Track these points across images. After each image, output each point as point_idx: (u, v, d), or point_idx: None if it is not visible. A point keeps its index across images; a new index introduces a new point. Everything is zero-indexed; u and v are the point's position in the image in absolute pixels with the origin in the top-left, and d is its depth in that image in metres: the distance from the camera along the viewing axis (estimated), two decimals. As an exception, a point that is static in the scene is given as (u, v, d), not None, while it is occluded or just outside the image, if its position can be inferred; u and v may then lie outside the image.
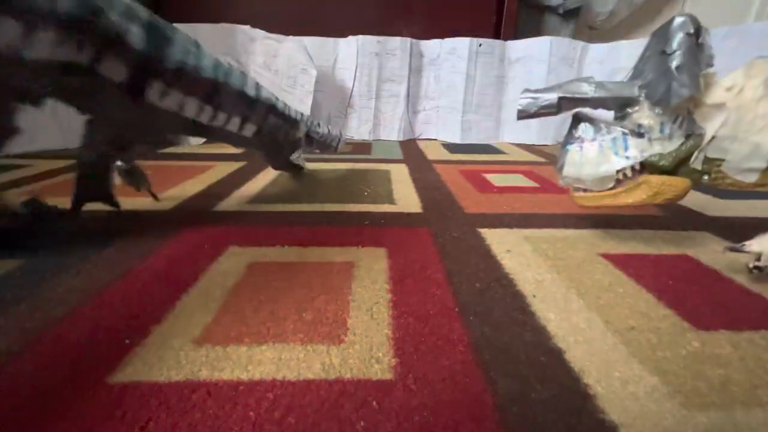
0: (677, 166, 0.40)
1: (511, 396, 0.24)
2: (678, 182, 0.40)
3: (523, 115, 0.42)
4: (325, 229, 0.51)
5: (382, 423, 0.22)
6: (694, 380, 0.26)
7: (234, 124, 0.49)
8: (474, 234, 0.50)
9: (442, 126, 1.35)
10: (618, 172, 0.40)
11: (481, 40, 1.25)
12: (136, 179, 0.58)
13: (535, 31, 1.60)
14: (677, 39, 0.37)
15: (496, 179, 0.79)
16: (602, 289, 0.37)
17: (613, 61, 1.20)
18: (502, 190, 0.71)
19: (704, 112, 0.39)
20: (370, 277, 0.39)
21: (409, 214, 0.57)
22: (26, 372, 0.25)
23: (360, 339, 0.29)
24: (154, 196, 0.59)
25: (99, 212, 0.56)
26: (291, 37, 1.23)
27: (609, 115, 0.44)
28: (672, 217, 0.58)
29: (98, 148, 0.47)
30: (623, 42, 1.22)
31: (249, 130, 0.52)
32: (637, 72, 0.42)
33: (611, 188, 0.41)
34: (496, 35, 1.49)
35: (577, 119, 0.42)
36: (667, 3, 1.72)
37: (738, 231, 0.52)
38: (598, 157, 0.40)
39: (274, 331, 0.30)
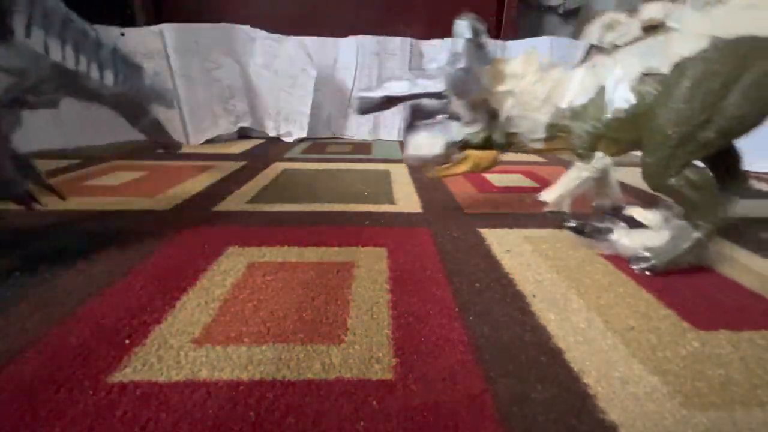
0: (485, 142, 0.50)
1: (511, 396, 0.24)
2: (488, 155, 0.51)
3: (359, 113, 0.51)
4: (325, 229, 0.51)
5: (382, 423, 0.22)
6: (694, 380, 0.26)
7: (94, 71, 0.49)
8: (474, 234, 0.50)
9: (442, 126, 1.35)
10: (447, 150, 0.50)
11: (481, 40, 1.25)
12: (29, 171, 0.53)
13: (535, 31, 1.61)
14: (460, 44, 0.44)
15: (496, 179, 0.79)
16: (602, 289, 0.37)
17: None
18: (502, 190, 0.71)
19: (498, 98, 0.48)
20: (370, 277, 0.39)
21: (409, 214, 0.57)
22: (26, 372, 0.25)
23: (360, 339, 0.29)
24: (56, 193, 0.55)
25: (99, 212, 0.56)
26: (291, 37, 1.23)
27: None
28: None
29: None
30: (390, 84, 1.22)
31: (109, 77, 0.52)
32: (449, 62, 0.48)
33: (446, 163, 0.52)
34: (497, 35, 1.49)
35: (414, 110, 0.51)
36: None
37: (738, 231, 0.52)
38: (430, 139, 0.50)
39: (274, 331, 0.30)
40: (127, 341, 0.29)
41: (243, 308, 0.33)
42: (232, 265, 0.40)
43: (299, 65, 1.21)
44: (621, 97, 0.40)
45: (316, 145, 1.19)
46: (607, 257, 0.44)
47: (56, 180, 0.72)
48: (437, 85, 0.47)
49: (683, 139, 0.36)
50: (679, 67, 0.36)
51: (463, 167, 0.51)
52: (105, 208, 0.57)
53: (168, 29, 1.10)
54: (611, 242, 0.43)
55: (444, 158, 0.51)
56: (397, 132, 1.34)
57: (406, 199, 0.65)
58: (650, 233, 0.41)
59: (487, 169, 0.52)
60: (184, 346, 0.28)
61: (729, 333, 0.31)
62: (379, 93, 0.48)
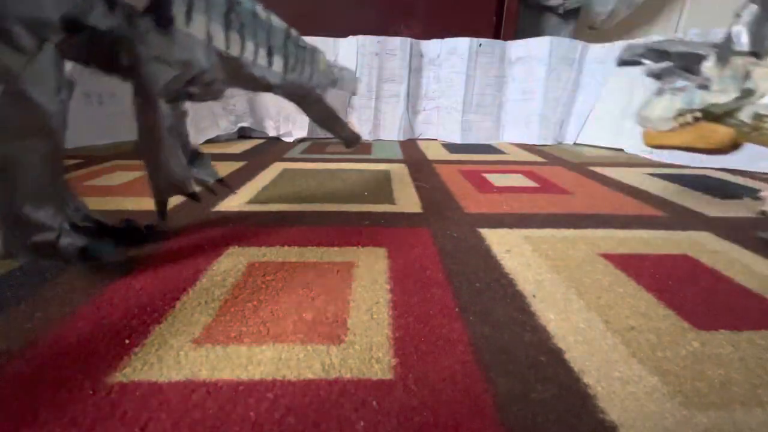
0: (726, 115, 0.46)
1: (511, 396, 0.24)
2: (722, 130, 0.46)
3: (620, 62, 0.52)
4: (325, 229, 0.51)
5: (382, 423, 0.22)
6: (694, 380, 0.26)
7: (263, 58, 0.46)
8: (474, 234, 0.50)
9: (442, 126, 1.35)
10: (681, 115, 0.47)
11: (481, 40, 1.25)
12: (204, 167, 0.52)
13: (535, 31, 1.61)
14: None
15: (496, 179, 0.79)
16: (602, 289, 0.37)
17: (614, 61, 1.20)
18: (502, 190, 0.71)
19: (763, 73, 0.43)
20: (370, 277, 0.39)
21: (409, 214, 0.57)
22: (26, 372, 0.25)
23: (360, 339, 0.29)
24: (227, 185, 0.55)
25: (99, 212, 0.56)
26: (291, 37, 1.23)
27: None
28: (672, 217, 0.58)
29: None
30: (623, 42, 1.22)
31: (279, 63, 0.48)
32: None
33: (671, 129, 0.49)
34: (496, 35, 1.49)
35: (658, 72, 0.50)
36: (666, 3, 1.72)
37: (738, 231, 0.52)
38: (668, 102, 0.48)
39: (274, 331, 0.30)
40: (127, 341, 0.29)
41: (243, 308, 0.33)
42: (232, 265, 0.40)
43: (299, 65, 1.20)
44: None
45: (316, 145, 1.19)
46: (608, 257, 0.44)
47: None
48: (703, 47, 0.45)
49: None
50: None
51: (685, 137, 0.48)
52: (105, 208, 0.57)
53: (168, 29, 1.10)
54: None
55: (670, 123, 0.49)
56: (397, 132, 1.34)
57: (406, 199, 0.65)
58: None
59: (716, 149, 0.48)
60: (184, 346, 0.28)
61: (729, 333, 0.31)
62: (642, 44, 0.48)
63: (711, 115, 0.46)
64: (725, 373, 0.27)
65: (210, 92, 0.44)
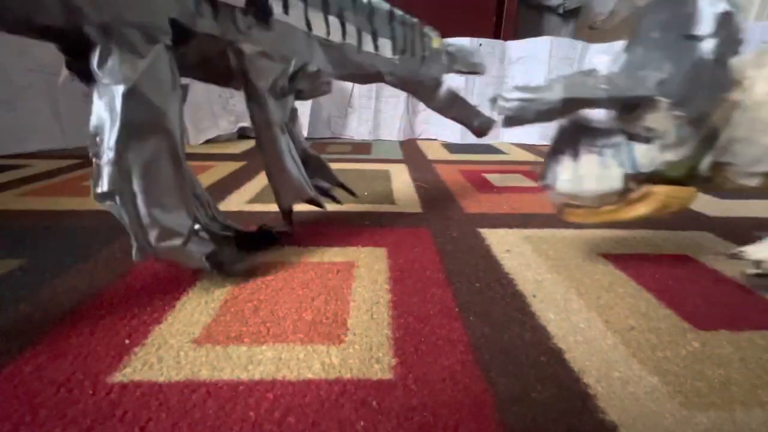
0: (689, 173, 0.34)
1: (511, 396, 0.24)
2: (685, 192, 0.34)
3: (514, 122, 0.34)
4: (325, 229, 0.51)
5: (382, 423, 0.22)
6: (694, 380, 0.26)
7: (368, 43, 0.42)
8: (474, 234, 0.50)
9: (442, 126, 1.35)
10: (626, 183, 0.34)
11: (481, 40, 1.25)
12: (322, 172, 0.48)
13: (535, 31, 1.61)
14: (711, 18, 0.29)
15: (496, 179, 0.79)
16: (602, 289, 0.37)
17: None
18: (502, 190, 0.71)
19: (725, 110, 0.32)
20: (370, 277, 0.39)
21: (409, 214, 0.57)
22: (26, 372, 0.25)
23: (360, 339, 0.29)
24: (348, 190, 0.51)
25: (100, 212, 0.56)
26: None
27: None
28: (672, 217, 0.58)
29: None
30: (623, 42, 1.22)
31: (386, 47, 0.43)
32: (636, 58, 0.34)
33: (612, 204, 0.35)
34: (496, 35, 1.49)
35: (573, 123, 0.36)
36: (667, 3, 1.71)
37: (738, 231, 0.52)
38: (599, 169, 0.34)
39: (274, 331, 0.30)
40: (127, 341, 0.29)
41: (243, 308, 0.33)
42: (232, 265, 0.40)
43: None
44: None
45: (316, 145, 1.19)
46: (608, 257, 0.44)
47: (56, 180, 0.72)
48: (645, 87, 0.32)
49: None
50: None
51: (641, 210, 0.35)
52: (105, 208, 0.57)
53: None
54: None
55: (615, 196, 0.35)
56: (397, 132, 1.34)
57: (406, 199, 0.65)
58: None
59: (676, 213, 0.36)
60: (184, 346, 0.28)
61: (729, 333, 0.31)
62: (557, 95, 0.33)
63: (661, 176, 0.34)
64: (725, 373, 0.27)
65: (317, 87, 0.42)
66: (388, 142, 1.30)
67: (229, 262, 0.38)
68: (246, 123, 1.24)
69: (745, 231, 0.52)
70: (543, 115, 0.34)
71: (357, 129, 1.35)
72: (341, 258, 0.42)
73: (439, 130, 1.36)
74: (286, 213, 0.46)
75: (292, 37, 0.38)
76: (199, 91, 1.16)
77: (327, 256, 0.43)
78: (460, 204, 0.62)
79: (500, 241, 0.48)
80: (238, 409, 0.23)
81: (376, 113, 1.33)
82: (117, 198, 0.31)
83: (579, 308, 0.34)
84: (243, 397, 0.24)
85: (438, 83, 0.52)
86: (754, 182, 0.34)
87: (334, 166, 0.89)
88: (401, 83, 0.49)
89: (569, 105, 0.33)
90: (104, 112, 0.29)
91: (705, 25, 0.29)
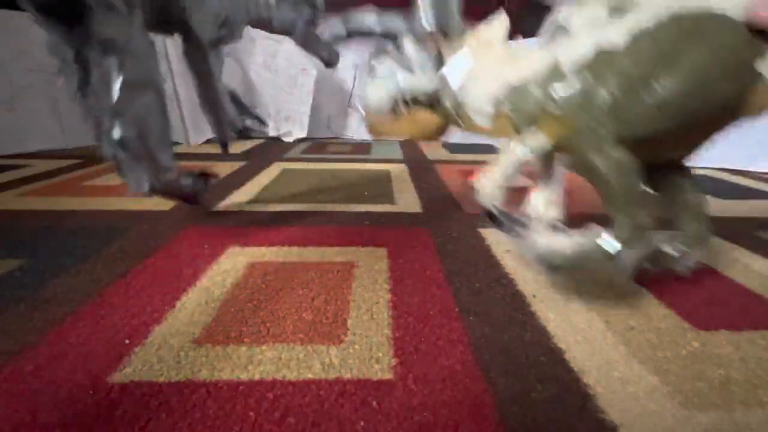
0: (434, 103, 0.44)
1: (511, 396, 0.24)
2: (429, 118, 0.44)
3: (329, 40, 0.51)
4: (325, 229, 0.51)
5: (382, 423, 0.22)
6: (694, 380, 0.26)
7: None
8: (474, 234, 0.50)
9: (442, 126, 1.35)
10: (391, 100, 0.45)
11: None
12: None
13: (535, 30, 1.60)
14: None
15: (496, 179, 0.79)
16: (602, 289, 0.37)
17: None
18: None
19: (455, 54, 0.42)
20: (370, 277, 0.39)
21: (409, 214, 0.57)
22: (26, 372, 0.25)
23: (360, 339, 0.29)
24: (261, 120, 0.65)
25: (100, 212, 0.56)
26: (291, 37, 1.23)
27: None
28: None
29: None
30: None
31: None
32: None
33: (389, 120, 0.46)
34: (496, 35, 1.49)
35: (376, 54, 0.47)
36: (667, 3, 1.71)
37: (738, 231, 0.52)
38: (379, 91, 0.45)
39: (274, 331, 0.30)
40: (127, 341, 0.29)
41: (243, 308, 0.33)
42: (232, 265, 0.40)
43: (299, 65, 1.21)
44: (572, 72, 0.34)
45: (316, 145, 1.19)
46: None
47: (56, 180, 0.72)
48: (399, 24, 0.44)
49: (616, 109, 0.31)
50: (634, 39, 0.31)
51: (405, 128, 0.46)
52: (105, 208, 0.57)
53: (168, 29, 1.10)
54: (525, 238, 0.37)
55: (385, 110, 0.46)
56: (397, 132, 1.34)
57: (406, 199, 0.65)
58: (568, 238, 0.35)
59: (430, 137, 0.47)
60: (184, 346, 0.28)
61: (729, 333, 0.31)
62: (342, 26, 0.47)
63: (419, 102, 0.44)
64: (725, 373, 0.27)
65: (233, 35, 0.50)
66: (388, 142, 1.30)
67: (200, 189, 0.50)
68: (246, 123, 1.24)
69: (745, 231, 0.52)
70: (337, 39, 0.51)
71: (357, 129, 1.35)
72: (341, 258, 0.42)
73: (439, 130, 1.36)
74: (224, 145, 0.58)
75: None
76: (199, 91, 1.16)
77: (327, 256, 0.43)
78: (460, 204, 0.62)
79: (500, 241, 0.48)
80: (238, 409, 0.23)
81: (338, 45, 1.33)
82: (126, 144, 0.37)
83: (579, 308, 0.34)
84: (243, 397, 0.24)
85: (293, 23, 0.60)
86: (483, 122, 0.41)
87: (334, 166, 0.89)
88: (281, 27, 0.58)
89: (351, 34, 0.48)
90: (107, 73, 0.35)
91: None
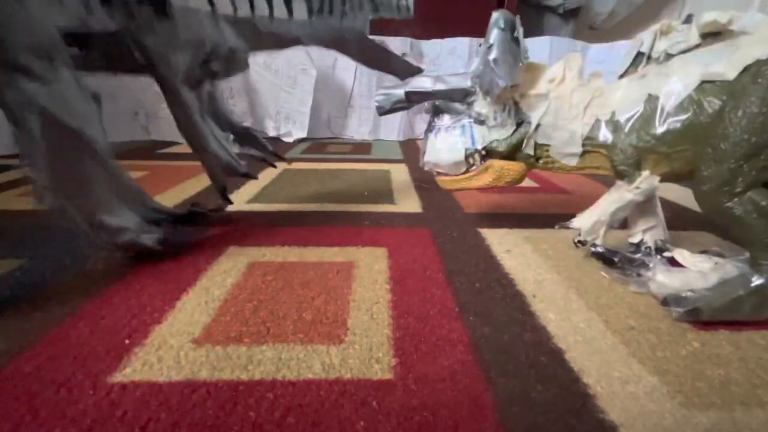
0: (512, 151, 0.44)
1: (511, 396, 0.24)
2: (515, 166, 0.44)
3: (381, 111, 0.46)
4: (325, 229, 0.51)
5: (382, 423, 0.22)
6: (694, 380, 0.26)
7: (281, 9, 0.43)
8: (474, 234, 0.50)
9: (442, 126, 1.35)
10: (467, 157, 0.44)
11: (481, 40, 1.25)
12: (253, 142, 0.51)
13: (535, 31, 1.60)
14: (493, 34, 0.41)
15: (496, 179, 0.79)
16: (602, 289, 0.37)
17: (613, 61, 1.20)
18: (502, 190, 0.71)
19: (530, 102, 0.43)
20: (370, 277, 0.39)
21: (409, 214, 0.57)
22: (26, 372, 0.25)
23: (360, 339, 0.29)
24: (282, 159, 0.54)
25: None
26: (291, 37, 1.23)
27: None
28: (672, 217, 0.58)
29: (193, 80, 0.40)
30: (623, 42, 1.22)
31: (302, 10, 0.45)
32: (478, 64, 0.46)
33: (465, 172, 0.46)
34: (496, 35, 1.49)
35: (437, 110, 0.46)
36: (666, 3, 1.72)
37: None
38: (450, 144, 0.45)
39: (274, 331, 0.30)
40: (127, 341, 0.29)
41: (243, 308, 0.33)
42: (232, 265, 0.40)
43: (299, 65, 1.21)
44: (677, 107, 0.35)
45: (316, 145, 1.19)
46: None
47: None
48: (464, 82, 0.43)
49: (752, 152, 0.30)
50: (752, 71, 0.31)
51: (485, 179, 0.45)
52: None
53: (168, 29, 1.10)
54: (645, 278, 0.36)
55: (463, 165, 0.45)
56: (397, 132, 1.34)
57: (406, 199, 0.65)
58: (695, 274, 0.35)
59: (513, 183, 0.45)
60: (184, 346, 0.28)
61: (729, 333, 0.31)
62: (401, 90, 0.44)
63: (496, 152, 0.44)
64: (725, 373, 0.27)
65: (234, 65, 0.42)
66: (388, 142, 1.30)
67: (179, 241, 0.42)
68: (246, 123, 1.24)
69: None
70: (396, 105, 0.45)
71: (357, 129, 1.35)
72: (341, 258, 0.42)
73: (439, 130, 1.36)
74: (222, 191, 0.50)
75: (196, 21, 0.37)
76: (199, 91, 1.16)
77: (327, 256, 0.43)
78: (460, 204, 0.62)
79: (500, 241, 0.48)
80: (238, 409, 0.23)
81: (376, 113, 1.33)
82: (66, 212, 0.33)
83: (579, 308, 0.34)
84: (243, 397, 0.24)
85: (362, 36, 0.52)
86: (571, 162, 0.42)
87: (334, 166, 0.89)
88: (323, 43, 0.50)
89: (411, 97, 0.45)
90: (26, 139, 0.29)
91: (490, 38, 0.41)
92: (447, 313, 0.33)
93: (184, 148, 1.09)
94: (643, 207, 0.40)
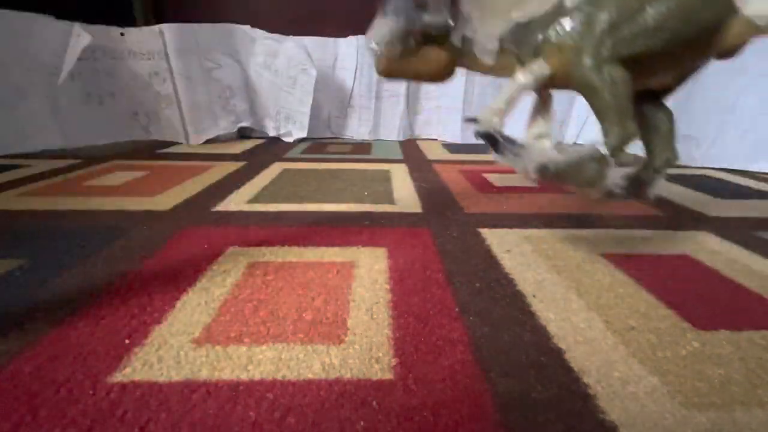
0: (444, 38, 0.44)
1: (511, 396, 0.24)
2: (442, 56, 0.44)
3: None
4: (325, 229, 0.51)
5: (382, 423, 0.22)
6: (694, 380, 0.26)
7: None
8: (474, 234, 0.50)
9: (442, 126, 1.35)
10: (400, 35, 0.44)
11: None
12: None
13: None
14: None
15: (496, 179, 0.79)
16: (602, 289, 0.37)
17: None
18: (502, 190, 0.71)
19: None
20: (370, 277, 0.39)
21: (409, 214, 0.57)
22: (26, 372, 0.25)
23: (360, 339, 0.29)
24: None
25: (99, 212, 0.56)
26: (291, 37, 1.23)
27: None
28: (672, 217, 0.58)
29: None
30: None
31: None
32: None
33: (399, 55, 0.45)
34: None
35: None
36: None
37: (738, 231, 0.52)
38: (387, 25, 0.44)
39: (274, 331, 0.30)
40: (127, 341, 0.29)
41: (243, 308, 0.33)
42: (232, 265, 0.40)
43: (299, 65, 1.21)
44: (575, 6, 0.37)
45: (316, 145, 1.19)
46: (608, 257, 0.44)
47: (56, 180, 0.72)
48: None
49: (614, 29, 0.35)
50: None
51: (414, 63, 0.45)
52: (105, 208, 0.57)
53: (168, 29, 1.10)
54: (520, 154, 0.40)
55: (397, 46, 0.45)
56: (397, 132, 1.34)
57: (406, 199, 0.65)
58: (563, 151, 0.39)
59: (438, 77, 0.46)
60: (184, 346, 0.28)
61: (729, 333, 0.31)
62: None
63: (430, 38, 0.44)
64: (725, 373, 0.27)
65: None
66: (388, 142, 1.30)
67: None
68: (246, 123, 1.24)
69: (745, 231, 0.52)
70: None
71: (357, 129, 1.35)
72: (341, 258, 0.42)
73: (439, 130, 1.36)
74: None
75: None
76: (200, 91, 1.16)
77: (327, 256, 0.43)
78: (460, 204, 0.62)
79: (500, 241, 0.48)
80: (238, 409, 0.23)
81: (376, 113, 1.33)
82: None
83: (579, 308, 0.34)
84: (243, 397, 0.24)
85: None
86: (489, 59, 0.43)
87: (334, 166, 0.89)
88: None
89: None
90: None
91: None
92: (447, 313, 0.33)
93: (184, 148, 1.09)
94: (540, 110, 0.43)
